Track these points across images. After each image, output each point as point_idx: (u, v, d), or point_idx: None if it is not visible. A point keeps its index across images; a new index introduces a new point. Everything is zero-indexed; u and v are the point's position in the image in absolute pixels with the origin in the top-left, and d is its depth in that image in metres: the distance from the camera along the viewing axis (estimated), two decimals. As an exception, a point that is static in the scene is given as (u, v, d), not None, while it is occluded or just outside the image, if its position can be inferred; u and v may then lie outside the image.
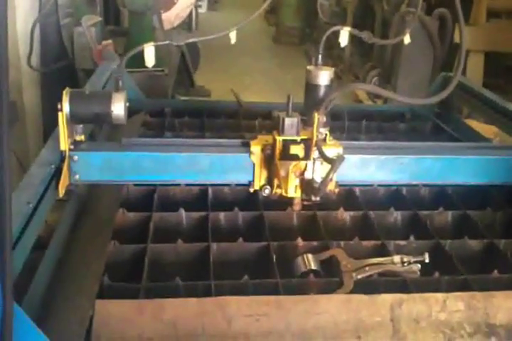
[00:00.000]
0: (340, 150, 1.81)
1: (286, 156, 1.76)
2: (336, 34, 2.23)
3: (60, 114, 1.72)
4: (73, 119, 1.76)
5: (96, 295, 1.51)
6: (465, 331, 1.54)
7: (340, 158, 1.56)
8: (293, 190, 1.72)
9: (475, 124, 3.30)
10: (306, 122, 1.81)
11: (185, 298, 1.52)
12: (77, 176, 1.82)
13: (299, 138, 1.78)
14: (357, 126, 2.84)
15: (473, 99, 2.80)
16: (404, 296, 1.57)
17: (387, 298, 1.55)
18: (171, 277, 1.64)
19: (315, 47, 8.91)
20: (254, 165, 1.87)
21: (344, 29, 2.22)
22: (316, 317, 1.50)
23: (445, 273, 1.72)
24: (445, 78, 3.04)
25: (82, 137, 1.88)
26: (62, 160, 1.79)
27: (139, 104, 2.90)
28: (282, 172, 1.71)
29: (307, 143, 1.76)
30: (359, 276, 1.66)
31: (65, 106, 1.72)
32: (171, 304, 1.48)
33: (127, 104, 1.79)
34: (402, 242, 1.88)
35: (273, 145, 1.81)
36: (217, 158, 1.88)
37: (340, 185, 1.87)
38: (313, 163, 1.70)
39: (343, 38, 2.25)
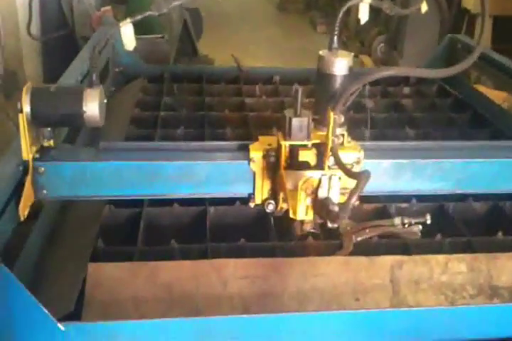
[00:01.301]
0: (360, 154, 1.50)
1: (294, 165, 1.45)
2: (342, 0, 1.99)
3: (20, 115, 1.38)
4: (36, 122, 1.42)
5: (90, 258, 1.49)
6: (467, 293, 1.51)
7: (365, 175, 1.21)
8: (303, 211, 1.37)
9: (483, 89, 3.22)
10: (319, 121, 1.49)
11: (180, 261, 1.49)
12: (44, 191, 1.48)
13: (309, 143, 1.45)
14: (361, 90, 2.77)
15: (482, 62, 2.71)
16: (404, 258, 1.54)
17: (386, 260, 1.52)
18: (166, 241, 1.61)
19: (320, 14, 8.75)
20: (254, 174, 1.54)
21: (364, 1, 1.83)
22: (314, 279, 1.48)
23: (448, 236, 1.68)
24: (451, 40, 2.96)
25: (51, 142, 1.54)
26: (25, 172, 1.46)
27: (138, 69, 2.87)
28: (289, 185, 1.39)
29: (320, 149, 1.44)
30: (359, 238, 1.62)
31: (25, 106, 1.38)
32: (166, 266, 1.46)
33: (105, 101, 1.48)
34: (404, 205, 1.84)
35: (278, 150, 1.48)
36: (210, 167, 1.55)
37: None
38: (329, 178, 1.33)
39: (364, 13, 1.88)
